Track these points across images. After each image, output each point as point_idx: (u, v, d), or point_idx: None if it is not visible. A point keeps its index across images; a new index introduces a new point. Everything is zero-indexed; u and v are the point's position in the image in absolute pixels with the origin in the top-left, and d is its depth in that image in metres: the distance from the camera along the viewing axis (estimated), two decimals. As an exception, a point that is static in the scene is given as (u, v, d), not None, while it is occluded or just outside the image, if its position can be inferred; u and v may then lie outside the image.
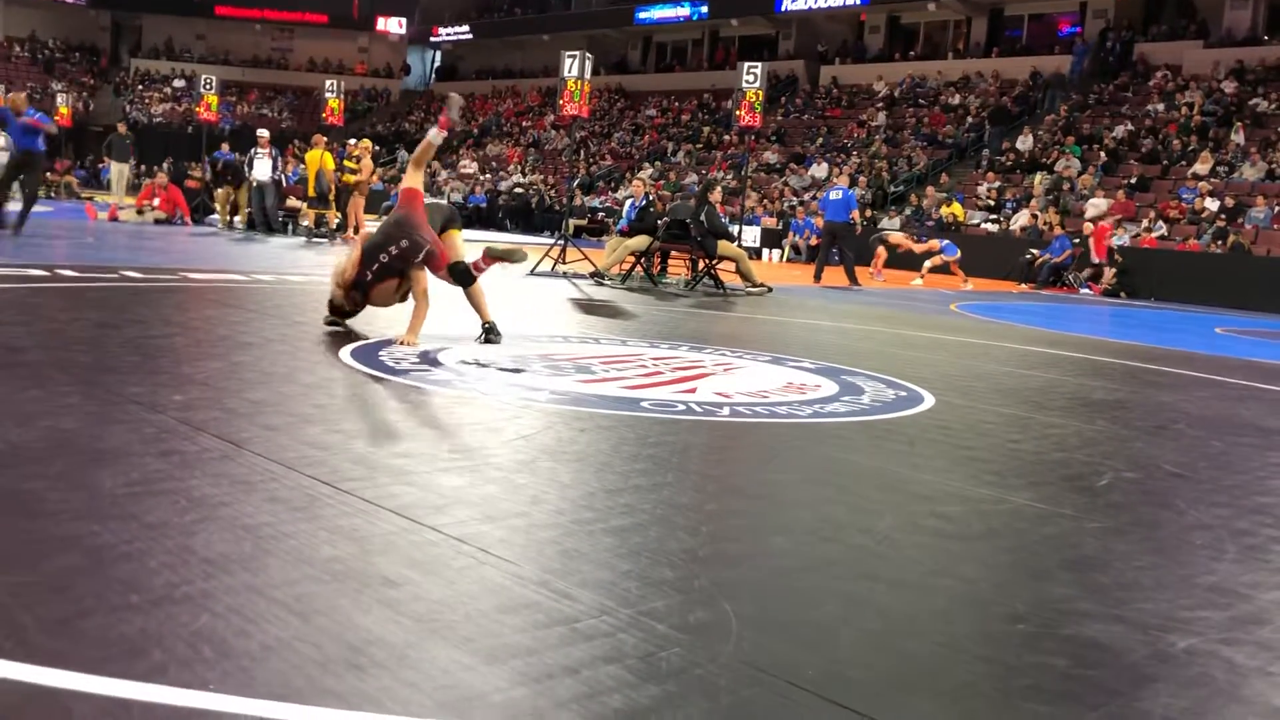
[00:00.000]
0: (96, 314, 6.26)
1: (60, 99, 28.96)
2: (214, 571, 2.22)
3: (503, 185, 32.90)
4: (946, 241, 17.88)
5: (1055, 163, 23.11)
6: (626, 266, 12.34)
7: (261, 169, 16.85)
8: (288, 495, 2.81)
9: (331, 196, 16.66)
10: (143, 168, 26.33)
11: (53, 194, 26.25)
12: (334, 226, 16.74)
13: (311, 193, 16.87)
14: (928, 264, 17.57)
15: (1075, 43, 27.88)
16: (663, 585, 2.38)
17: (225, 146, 19.82)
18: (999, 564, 2.86)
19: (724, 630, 2.15)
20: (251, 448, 3.26)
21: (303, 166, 18.63)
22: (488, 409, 4.30)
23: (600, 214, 28.78)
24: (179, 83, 43.49)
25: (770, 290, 12.22)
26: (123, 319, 6.11)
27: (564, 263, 13.21)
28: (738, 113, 14.07)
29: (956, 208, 22.30)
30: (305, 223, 17.20)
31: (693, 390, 5.08)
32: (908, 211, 23.32)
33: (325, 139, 17.51)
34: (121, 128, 21.82)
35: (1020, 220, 21.45)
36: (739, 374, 5.78)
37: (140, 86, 44.15)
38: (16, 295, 6.71)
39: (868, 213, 23.73)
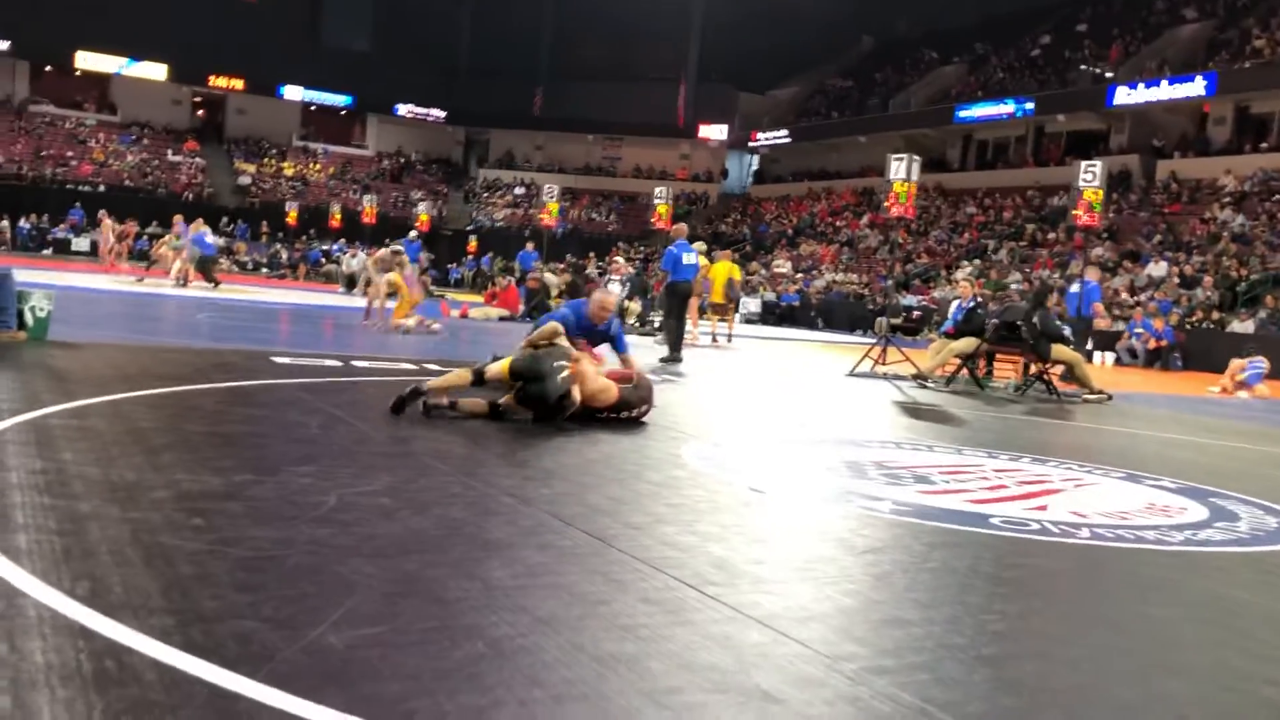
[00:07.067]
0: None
1: (421, 206, 32.26)
2: (604, 672, 2.33)
3: (814, 284, 33.10)
4: (1254, 369, 14.91)
5: None
6: (951, 369, 11.98)
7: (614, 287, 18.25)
8: (658, 596, 2.91)
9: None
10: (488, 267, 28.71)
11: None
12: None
13: (719, 298, 17.54)
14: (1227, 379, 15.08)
15: None
16: (1052, 727, 2.24)
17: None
18: None
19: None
20: (618, 545, 3.41)
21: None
22: (831, 517, 4.28)
23: (916, 312, 28.22)
24: (519, 190, 47.36)
25: (1110, 398, 11.43)
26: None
27: (884, 363, 12.99)
28: (1074, 212, 13.42)
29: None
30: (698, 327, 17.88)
31: (1044, 508, 4.81)
32: (1262, 315, 21.21)
33: (729, 252, 18.20)
34: None
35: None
36: (1092, 491, 5.42)
37: (486, 194, 48.46)
38: (394, 387, 7.43)
39: (1209, 314, 21.81)
